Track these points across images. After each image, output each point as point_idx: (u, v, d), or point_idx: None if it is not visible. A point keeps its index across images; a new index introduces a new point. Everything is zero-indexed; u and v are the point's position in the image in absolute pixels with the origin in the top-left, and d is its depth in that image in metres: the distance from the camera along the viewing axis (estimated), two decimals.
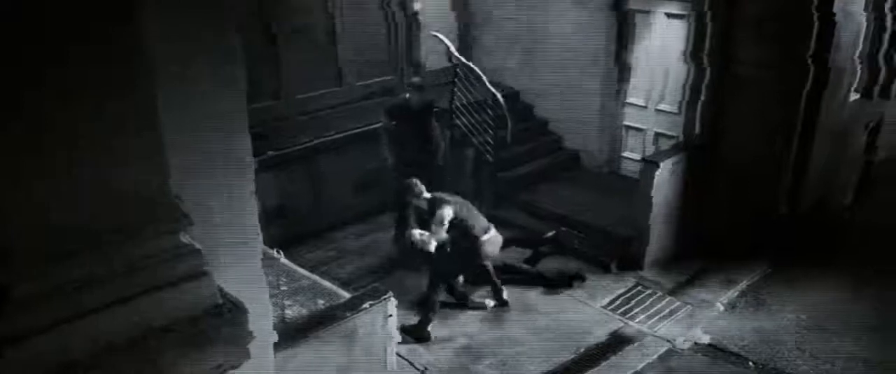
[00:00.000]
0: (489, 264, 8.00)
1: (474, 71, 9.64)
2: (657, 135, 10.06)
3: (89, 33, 2.19)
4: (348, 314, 5.65)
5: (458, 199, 7.77)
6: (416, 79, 9.29)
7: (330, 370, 5.62)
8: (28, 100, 2.12)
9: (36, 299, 2.22)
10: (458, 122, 9.94)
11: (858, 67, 9.17)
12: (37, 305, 2.22)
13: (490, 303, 8.13)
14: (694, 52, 8.68)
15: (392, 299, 5.93)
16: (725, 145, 8.69)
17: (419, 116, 8.79)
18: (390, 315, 5.90)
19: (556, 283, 8.51)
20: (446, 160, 9.29)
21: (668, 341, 7.53)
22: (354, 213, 9.86)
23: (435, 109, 9.16)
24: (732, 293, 8.33)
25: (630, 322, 7.83)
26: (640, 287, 8.44)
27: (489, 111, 9.77)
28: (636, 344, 7.49)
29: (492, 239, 7.76)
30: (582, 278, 8.57)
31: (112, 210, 2.36)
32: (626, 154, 10.55)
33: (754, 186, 8.64)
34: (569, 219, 9.32)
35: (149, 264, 2.47)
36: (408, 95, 8.91)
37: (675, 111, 9.64)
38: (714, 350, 7.42)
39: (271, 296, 4.63)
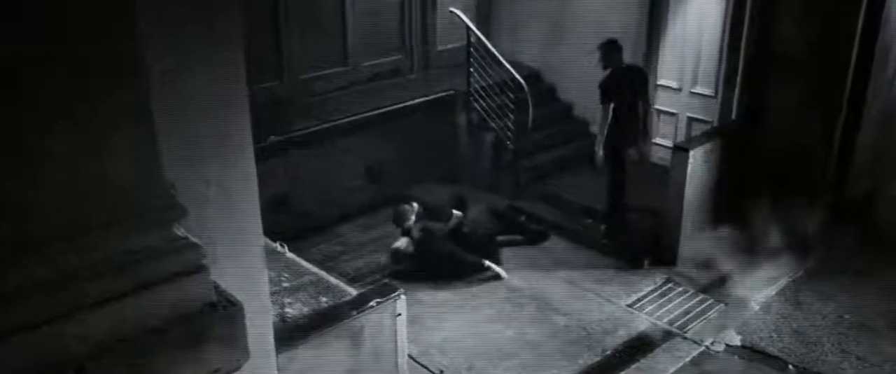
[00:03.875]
0: None
1: (492, 52, 9.62)
2: (691, 120, 9.99)
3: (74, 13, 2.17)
4: (354, 313, 5.62)
5: None
6: None
7: (334, 373, 5.61)
8: (11, 89, 2.11)
9: (17, 295, 2.21)
10: (476, 105, 9.92)
11: None
12: (18, 302, 2.22)
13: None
14: (732, 30, 8.62)
15: (402, 296, 5.90)
16: (765, 131, 8.64)
17: None
18: (400, 314, 5.87)
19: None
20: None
21: (701, 342, 7.51)
22: (363, 204, 9.85)
23: None
24: (770, 291, 8.29)
25: (658, 322, 7.81)
26: (670, 284, 8.42)
27: (509, 94, 9.75)
28: (666, 345, 7.47)
29: None
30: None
31: (99, 201, 2.34)
32: (657, 141, 10.50)
33: (796, 175, 8.59)
34: (594, 210, 9.30)
35: (140, 259, 2.45)
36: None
37: (711, 94, 9.59)
38: (750, 352, 7.39)
39: (272, 293, 4.62)
